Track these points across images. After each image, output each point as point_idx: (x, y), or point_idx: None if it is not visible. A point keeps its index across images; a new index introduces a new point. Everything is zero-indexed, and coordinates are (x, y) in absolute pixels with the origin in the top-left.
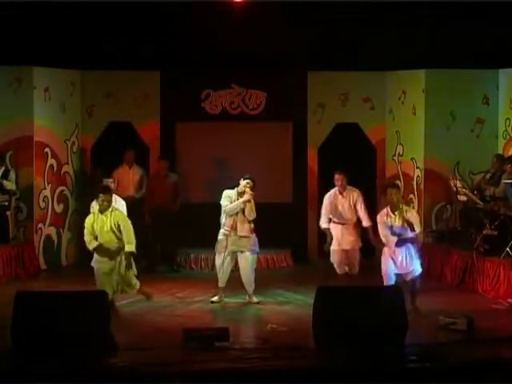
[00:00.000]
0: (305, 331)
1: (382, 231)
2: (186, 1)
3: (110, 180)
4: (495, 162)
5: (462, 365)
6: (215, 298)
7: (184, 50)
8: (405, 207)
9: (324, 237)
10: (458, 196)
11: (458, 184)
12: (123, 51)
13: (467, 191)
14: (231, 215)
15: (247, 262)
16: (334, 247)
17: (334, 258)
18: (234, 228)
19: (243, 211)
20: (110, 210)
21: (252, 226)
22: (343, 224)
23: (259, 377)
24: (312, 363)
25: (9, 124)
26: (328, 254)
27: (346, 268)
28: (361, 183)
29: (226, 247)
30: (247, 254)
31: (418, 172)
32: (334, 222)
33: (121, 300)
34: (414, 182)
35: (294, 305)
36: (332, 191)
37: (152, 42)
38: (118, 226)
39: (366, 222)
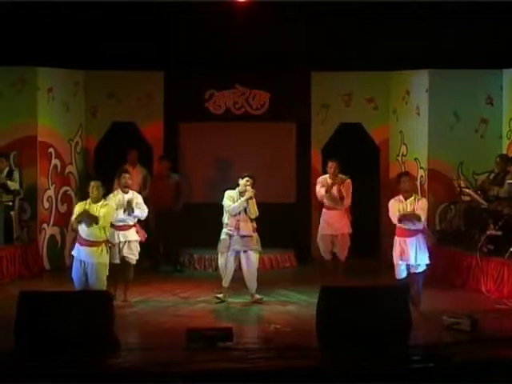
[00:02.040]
0: (308, 331)
1: (393, 213)
2: (189, 1)
3: (128, 175)
4: (499, 162)
5: (466, 365)
6: (221, 295)
7: (187, 51)
8: (417, 196)
9: None
10: (462, 196)
11: (462, 184)
12: (127, 51)
13: (471, 191)
14: (234, 215)
15: (251, 261)
16: (321, 232)
17: (321, 242)
18: (237, 227)
19: (245, 210)
20: (102, 202)
21: (254, 225)
22: (334, 209)
23: (263, 377)
24: (315, 363)
25: (13, 124)
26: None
27: (335, 251)
28: (364, 183)
29: (229, 247)
30: (250, 253)
31: (421, 172)
32: (325, 208)
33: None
34: (418, 182)
35: (297, 305)
36: (325, 176)
37: (155, 43)
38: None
39: (346, 203)
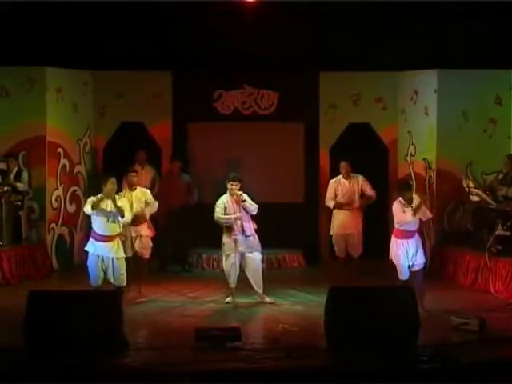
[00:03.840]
0: (316, 331)
1: (399, 217)
2: (198, 1)
3: (134, 174)
4: (508, 162)
5: (474, 365)
6: (229, 299)
7: (196, 50)
8: (416, 197)
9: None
10: (471, 196)
11: (471, 184)
12: (135, 51)
13: (480, 191)
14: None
15: (256, 262)
16: (336, 231)
17: (336, 242)
18: (241, 230)
19: (245, 210)
20: (115, 196)
21: (255, 225)
22: (345, 209)
23: (270, 377)
24: (323, 363)
25: (21, 124)
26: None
27: (349, 249)
28: (373, 183)
29: (235, 249)
30: (255, 254)
31: (430, 172)
32: (337, 208)
33: (132, 300)
34: (427, 183)
35: (305, 305)
36: (337, 177)
37: (164, 43)
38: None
39: (372, 194)
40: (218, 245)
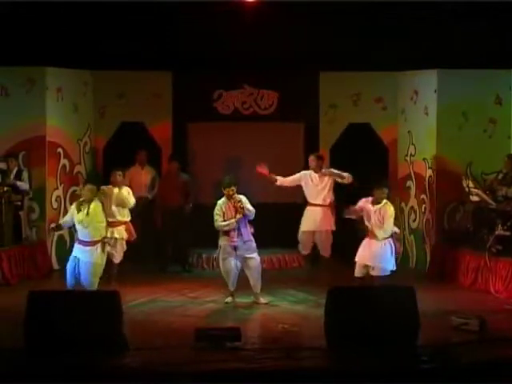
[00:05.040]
0: (316, 331)
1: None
2: (198, 1)
3: (118, 173)
4: (508, 162)
5: (475, 365)
6: (229, 299)
7: (196, 50)
8: (387, 203)
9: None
10: (471, 196)
11: (471, 184)
12: (135, 51)
13: (479, 191)
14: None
15: (256, 264)
16: (303, 228)
17: (302, 238)
18: (239, 235)
19: (244, 215)
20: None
21: (252, 229)
22: (317, 205)
23: (270, 377)
24: (323, 363)
25: (22, 124)
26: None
27: (318, 248)
28: (373, 183)
29: (234, 253)
30: (254, 255)
31: (430, 172)
32: (310, 204)
33: (132, 300)
34: (426, 183)
35: (305, 305)
36: (308, 171)
37: (164, 43)
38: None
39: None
40: (217, 245)
